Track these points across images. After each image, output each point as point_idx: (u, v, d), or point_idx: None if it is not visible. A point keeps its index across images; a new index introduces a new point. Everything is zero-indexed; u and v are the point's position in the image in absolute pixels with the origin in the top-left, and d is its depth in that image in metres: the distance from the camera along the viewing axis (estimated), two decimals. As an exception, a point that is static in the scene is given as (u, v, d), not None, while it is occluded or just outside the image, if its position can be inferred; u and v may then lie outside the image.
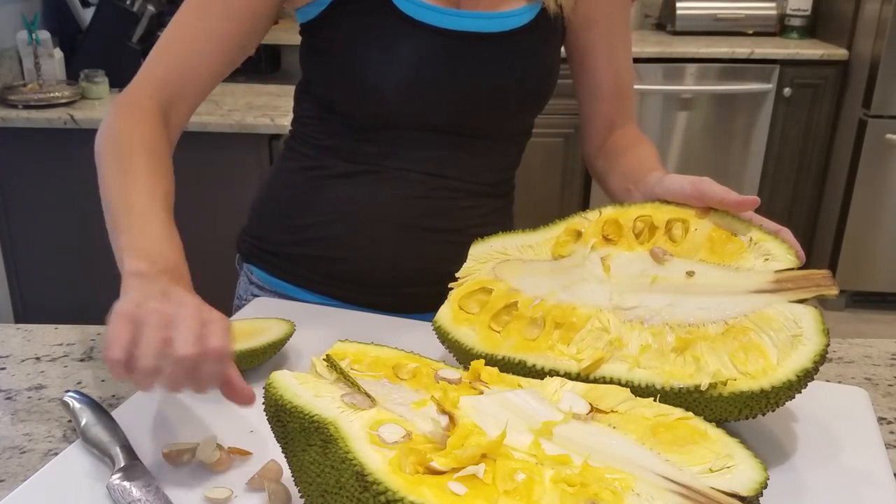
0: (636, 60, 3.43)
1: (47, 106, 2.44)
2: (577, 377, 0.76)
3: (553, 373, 0.77)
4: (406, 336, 0.92)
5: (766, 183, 3.58)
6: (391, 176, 1.07)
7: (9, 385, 0.92)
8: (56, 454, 0.79)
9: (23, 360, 0.98)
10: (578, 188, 3.61)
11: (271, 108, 2.49)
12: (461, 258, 0.90)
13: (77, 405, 0.81)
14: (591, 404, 0.67)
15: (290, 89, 1.16)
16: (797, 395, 0.73)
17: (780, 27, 3.70)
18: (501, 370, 0.74)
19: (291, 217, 1.13)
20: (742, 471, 0.58)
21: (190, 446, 0.75)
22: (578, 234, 0.86)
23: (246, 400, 0.72)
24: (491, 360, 0.80)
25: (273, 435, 0.67)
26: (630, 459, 0.60)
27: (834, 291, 0.73)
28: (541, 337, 0.80)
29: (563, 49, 1.14)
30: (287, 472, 0.68)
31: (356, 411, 0.63)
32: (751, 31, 3.69)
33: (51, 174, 2.48)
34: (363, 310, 1.07)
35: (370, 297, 1.08)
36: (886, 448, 0.79)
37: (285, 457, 0.66)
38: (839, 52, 3.41)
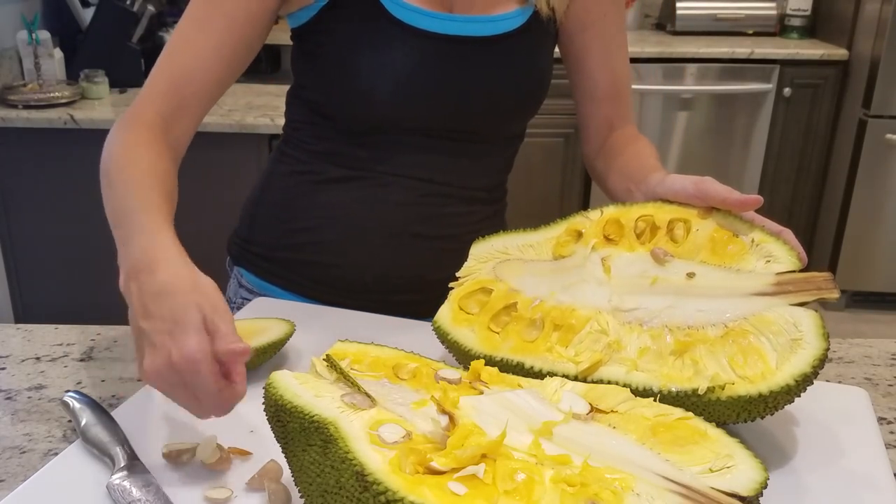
0: (636, 60, 3.43)
1: (47, 106, 2.44)
2: (576, 380, 0.76)
3: (551, 375, 0.77)
4: (406, 336, 0.92)
5: (766, 183, 3.58)
6: (383, 182, 1.06)
7: (9, 385, 0.92)
8: (56, 454, 0.79)
9: (23, 360, 0.98)
10: (578, 188, 3.61)
11: (271, 108, 2.49)
12: (453, 265, 0.89)
13: (77, 405, 0.81)
14: (591, 404, 0.67)
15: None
16: (796, 398, 0.73)
17: (780, 27, 3.70)
18: (500, 371, 0.74)
19: (282, 221, 1.13)
20: (742, 471, 0.58)
21: (190, 446, 0.75)
22: (579, 235, 0.85)
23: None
24: (490, 362, 0.80)
25: (273, 435, 0.67)
26: (630, 459, 0.60)
27: (835, 295, 0.72)
28: (539, 339, 0.80)
29: (557, 51, 1.14)
30: (287, 472, 0.68)
31: (356, 411, 0.63)
32: (751, 31, 3.69)
33: (51, 174, 2.48)
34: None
35: (360, 302, 1.08)
36: (886, 448, 0.79)
37: (285, 457, 0.66)
38: (839, 52, 3.41)
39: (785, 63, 3.40)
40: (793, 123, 3.50)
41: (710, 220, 0.81)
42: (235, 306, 1.16)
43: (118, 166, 0.88)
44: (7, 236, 2.55)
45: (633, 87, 1.09)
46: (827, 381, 0.94)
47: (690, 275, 0.78)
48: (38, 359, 0.98)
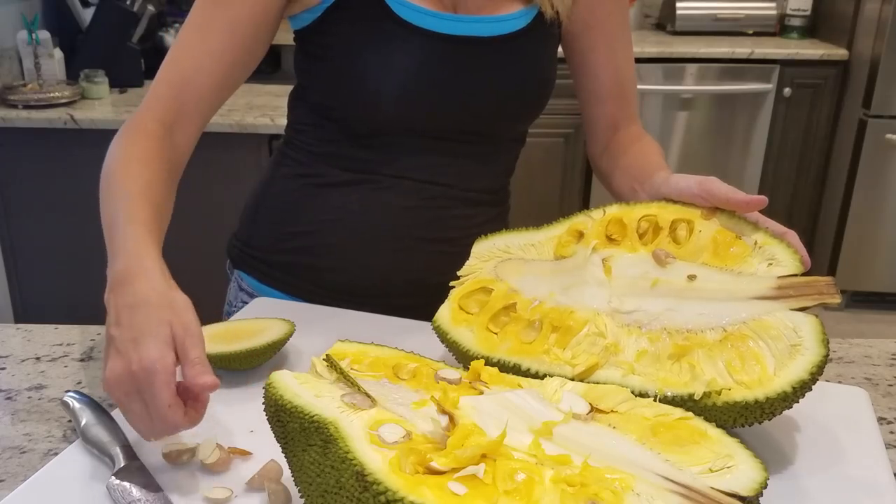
0: (636, 60, 3.43)
1: (47, 106, 2.44)
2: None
3: (540, 374, 0.77)
4: (406, 336, 0.92)
5: (766, 183, 3.58)
6: (385, 185, 1.06)
7: (9, 385, 0.92)
8: (56, 454, 0.78)
9: (23, 360, 0.98)
10: (578, 188, 3.61)
11: (271, 108, 2.49)
12: (454, 269, 0.89)
13: (77, 405, 0.81)
14: (591, 404, 0.67)
15: (290, 89, 1.16)
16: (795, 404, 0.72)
17: (780, 27, 3.70)
18: (501, 366, 0.74)
19: (283, 224, 1.12)
20: (742, 471, 0.58)
21: (190, 446, 0.75)
22: (580, 235, 0.85)
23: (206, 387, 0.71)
24: (487, 363, 0.79)
25: (273, 435, 0.67)
26: (630, 459, 0.60)
27: (836, 300, 0.72)
28: (537, 340, 0.80)
29: (560, 51, 1.14)
30: (287, 472, 0.68)
31: (356, 411, 0.63)
32: (751, 31, 3.69)
33: (51, 174, 2.48)
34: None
35: (363, 306, 1.07)
36: (886, 448, 0.79)
37: (285, 457, 0.66)
38: (839, 52, 3.41)
39: (785, 63, 3.40)
40: (793, 123, 3.50)
41: (714, 220, 0.80)
42: (236, 310, 1.16)
43: (115, 179, 0.89)
44: (7, 236, 2.56)
45: (636, 86, 1.09)
46: (827, 381, 0.94)
47: (691, 277, 0.78)
48: (38, 359, 0.98)
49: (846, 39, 3.43)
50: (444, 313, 0.86)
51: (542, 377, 0.76)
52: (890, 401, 0.92)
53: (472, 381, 0.70)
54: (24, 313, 2.65)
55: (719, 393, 0.70)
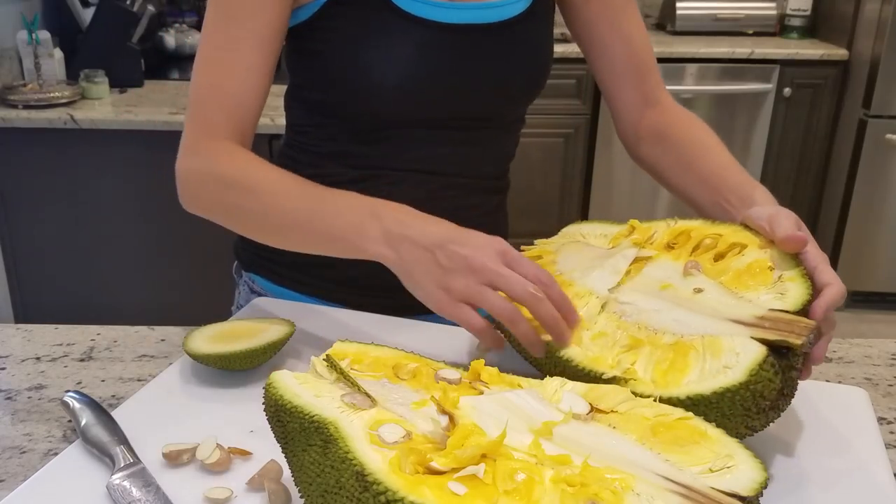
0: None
1: (47, 106, 2.44)
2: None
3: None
4: (406, 336, 0.92)
5: (766, 183, 3.55)
6: (394, 179, 1.06)
7: (9, 385, 0.92)
8: (56, 454, 0.79)
9: (23, 360, 0.98)
10: (578, 188, 3.61)
11: (271, 109, 2.48)
12: None
13: (77, 405, 0.81)
14: (591, 404, 0.67)
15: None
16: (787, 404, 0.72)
17: (780, 27, 3.70)
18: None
19: None
20: (742, 471, 0.58)
21: (190, 446, 0.75)
22: (633, 230, 0.90)
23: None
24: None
25: (273, 435, 0.67)
26: (630, 459, 0.60)
27: (798, 342, 0.70)
28: None
29: (567, 31, 1.13)
30: (287, 472, 0.68)
31: (356, 411, 0.63)
32: (751, 31, 3.69)
33: (51, 174, 2.48)
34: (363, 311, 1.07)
35: (380, 300, 1.07)
36: (886, 448, 0.79)
37: (285, 457, 0.66)
38: (839, 52, 3.41)
39: (785, 63, 3.41)
40: (793, 123, 3.50)
41: (766, 250, 0.81)
42: None
43: (252, 177, 0.93)
44: (7, 236, 2.56)
45: (654, 57, 1.04)
46: (827, 380, 0.94)
47: (698, 290, 0.79)
48: (38, 359, 0.98)
49: (846, 39, 3.43)
50: None
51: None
52: (890, 401, 0.92)
53: (472, 381, 0.70)
54: (24, 313, 2.65)
55: (626, 381, 0.73)
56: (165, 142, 2.29)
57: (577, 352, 0.78)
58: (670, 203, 3.52)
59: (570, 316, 0.80)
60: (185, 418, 0.81)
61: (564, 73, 3.26)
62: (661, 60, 3.38)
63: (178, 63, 3.00)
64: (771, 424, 0.73)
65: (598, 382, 0.73)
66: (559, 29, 1.14)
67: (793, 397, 0.73)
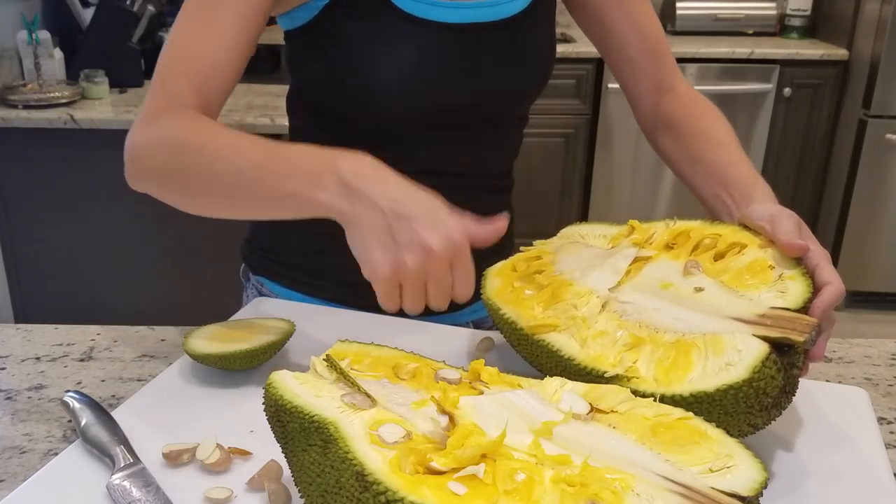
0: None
1: (47, 106, 2.44)
2: (521, 331, 0.83)
3: (512, 323, 0.84)
4: (406, 336, 0.92)
5: (766, 183, 3.58)
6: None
7: (9, 385, 0.92)
8: (56, 454, 0.79)
9: (23, 360, 0.98)
10: (578, 188, 3.61)
11: (271, 108, 2.49)
12: (476, 257, 0.90)
13: (77, 405, 0.81)
14: (591, 404, 0.67)
15: (287, 89, 1.15)
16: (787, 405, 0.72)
17: (780, 27, 3.70)
18: (490, 307, 0.86)
19: (304, 228, 1.11)
20: (742, 471, 0.58)
21: (190, 446, 0.75)
22: (632, 230, 0.90)
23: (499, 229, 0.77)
24: (488, 301, 0.88)
25: (273, 435, 0.67)
26: (630, 459, 0.60)
27: (800, 339, 0.70)
28: (531, 298, 0.86)
29: (566, 32, 1.13)
30: (287, 472, 0.68)
31: (356, 411, 0.63)
32: (751, 31, 3.69)
33: (51, 174, 2.48)
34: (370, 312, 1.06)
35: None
36: (886, 448, 0.79)
37: (285, 457, 0.66)
38: (839, 52, 3.41)
39: (785, 63, 3.40)
40: (793, 123, 3.50)
41: (767, 250, 0.81)
42: None
43: (202, 136, 0.86)
44: (7, 236, 2.56)
45: (666, 41, 1.03)
46: (827, 381, 0.94)
47: (698, 289, 0.79)
48: (38, 359, 0.98)
49: (846, 39, 3.43)
50: (496, 265, 0.93)
51: (511, 324, 0.84)
52: (890, 401, 0.92)
53: (472, 381, 0.70)
54: (24, 313, 2.65)
55: (628, 379, 0.73)
56: (165, 142, 2.30)
57: (577, 350, 0.78)
58: (670, 203, 3.53)
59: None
60: (185, 418, 0.81)
61: (564, 73, 3.26)
62: (661, 60, 3.39)
63: (178, 63, 3.00)
64: (771, 424, 0.73)
65: (599, 381, 0.74)
66: (558, 29, 1.14)
67: (794, 395, 0.73)
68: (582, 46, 3.24)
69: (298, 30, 1.02)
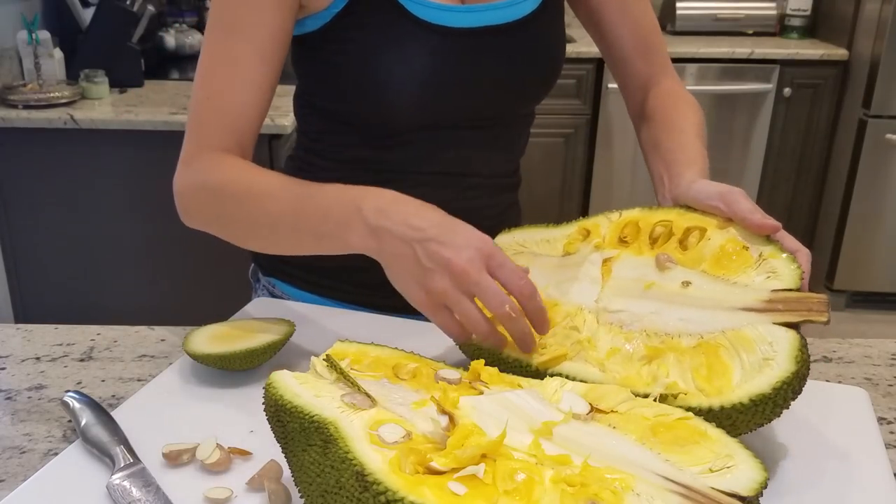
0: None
1: (47, 106, 2.44)
2: (535, 370, 0.77)
3: (516, 362, 0.78)
4: (406, 336, 0.92)
5: (766, 183, 3.58)
6: (415, 183, 1.04)
7: (9, 385, 0.92)
8: (56, 454, 0.79)
9: (23, 360, 0.98)
10: (578, 188, 3.61)
11: (271, 108, 2.47)
12: None
13: (77, 405, 0.81)
14: (591, 404, 0.67)
15: (291, 89, 1.15)
16: (776, 415, 0.71)
17: (780, 27, 3.70)
18: (473, 356, 0.77)
19: None
20: (742, 471, 0.58)
21: (190, 446, 0.75)
22: (588, 233, 0.86)
23: None
24: (465, 346, 0.82)
25: (273, 435, 0.67)
26: (630, 459, 0.60)
27: (823, 318, 0.70)
28: None
29: (577, 18, 1.13)
30: (287, 472, 0.68)
31: (356, 411, 0.63)
32: (751, 31, 3.69)
33: (51, 174, 2.48)
34: (373, 312, 1.06)
35: (402, 302, 1.07)
36: (886, 448, 0.79)
37: (285, 457, 0.66)
38: (839, 52, 3.41)
39: (785, 63, 3.40)
40: (793, 123, 3.50)
41: (728, 230, 0.79)
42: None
43: (239, 185, 0.91)
44: (7, 236, 2.56)
45: (661, 37, 1.06)
46: (827, 381, 0.94)
47: (686, 283, 0.77)
48: (38, 359, 0.98)
49: (846, 39, 3.43)
50: None
51: (514, 363, 0.78)
52: (890, 401, 0.92)
53: (472, 381, 0.70)
54: (24, 313, 2.65)
55: (675, 396, 0.70)
56: (165, 142, 2.30)
57: (601, 376, 0.74)
58: (670, 203, 3.52)
59: (541, 328, 0.78)
60: (185, 418, 0.81)
61: (564, 72, 3.23)
62: (661, 60, 3.39)
63: (177, 63, 3.00)
64: (770, 425, 0.73)
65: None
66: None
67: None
68: (582, 46, 3.24)
69: (308, 37, 1.02)
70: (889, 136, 3.29)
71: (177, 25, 3.11)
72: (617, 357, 0.75)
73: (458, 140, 1.06)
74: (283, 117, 2.35)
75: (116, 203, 2.49)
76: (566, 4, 1.14)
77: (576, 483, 0.57)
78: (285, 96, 1.16)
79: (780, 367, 0.68)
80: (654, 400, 0.70)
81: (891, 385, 0.96)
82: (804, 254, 0.78)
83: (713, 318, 0.74)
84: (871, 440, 0.80)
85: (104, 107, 2.50)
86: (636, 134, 1.14)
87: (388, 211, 0.80)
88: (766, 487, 0.58)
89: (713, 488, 0.57)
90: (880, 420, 0.87)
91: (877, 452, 0.78)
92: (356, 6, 0.98)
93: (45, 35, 2.61)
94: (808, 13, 3.64)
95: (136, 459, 0.74)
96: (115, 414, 0.81)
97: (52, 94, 2.47)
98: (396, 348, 0.75)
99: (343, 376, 0.67)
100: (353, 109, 1.03)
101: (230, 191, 0.92)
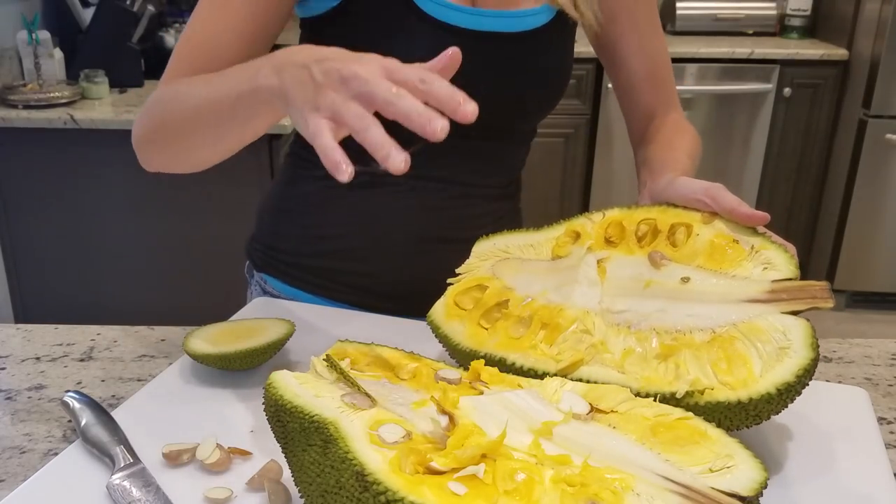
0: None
1: (47, 106, 2.44)
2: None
3: (532, 371, 0.77)
4: (406, 336, 0.92)
5: (766, 183, 3.58)
6: (408, 186, 1.04)
7: (9, 385, 0.92)
8: (56, 454, 0.79)
9: (23, 360, 0.98)
10: (578, 188, 3.61)
11: (271, 108, 2.48)
12: None
13: (77, 405, 0.81)
14: (591, 404, 0.67)
15: (290, 89, 1.15)
16: (791, 404, 0.71)
17: (780, 27, 3.70)
18: (485, 366, 0.74)
19: (309, 227, 1.11)
20: (742, 471, 0.58)
21: (190, 446, 0.75)
22: (577, 236, 0.85)
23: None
24: (474, 356, 0.81)
25: (273, 435, 0.67)
26: (630, 459, 0.60)
27: (829, 304, 0.71)
28: (525, 336, 0.80)
29: (591, 46, 1.13)
30: (287, 472, 0.68)
31: (356, 411, 0.63)
32: (751, 31, 3.69)
33: (51, 174, 2.48)
34: (372, 311, 1.06)
35: (390, 304, 1.07)
36: (886, 448, 0.79)
37: (285, 457, 0.66)
38: (839, 52, 3.41)
39: (785, 63, 3.41)
40: (793, 123, 3.50)
41: (714, 224, 0.80)
42: None
43: (178, 87, 0.90)
44: (7, 236, 2.56)
45: (671, 71, 1.08)
46: (827, 381, 0.94)
47: (685, 279, 0.77)
48: (38, 359, 0.98)
49: (846, 39, 3.43)
50: (439, 308, 0.87)
51: (530, 372, 0.77)
52: (890, 401, 0.92)
53: (472, 381, 0.70)
54: (24, 313, 2.65)
55: (702, 392, 0.70)
56: (165, 142, 2.30)
57: (622, 378, 0.74)
58: (670, 203, 3.52)
59: (452, 104, 0.69)
60: (185, 418, 0.81)
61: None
62: (661, 60, 3.39)
63: (178, 63, 3.00)
64: (771, 425, 0.73)
65: (671, 405, 0.69)
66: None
67: None
68: (582, 46, 3.22)
69: (314, 20, 1.01)
70: (889, 136, 3.29)
71: (177, 25, 3.11)
72: (632, 358, 0.75)
73: (453, 147, 1.04)
74: (283, 117, 2.35)
75: (116, 203, 2.49)
76: (581, 28, 1.13)
77: (576, 483, 0.57)
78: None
79: (798, 355, 0.69)
80: (679, 398, 0.70)
81: (891, 385, 0.96)
82: (789, 247, 0.79)
83: (721, 312, 0.74)
84: (871, 440, 0.80)
85: (104, 107, 2.50)
86: (634, 157, 1.15)
87: (294, 50, 0.74)
88: (766, 487, 0.58)
89: (713, 488, 0.57)
90: (880, 420, 0.87)
91: (877, 452, 0.78)
92: None
93: (45, 35, 2.61)
94: (808, 13, 3.64)
95: (136, 459, 0.73)
96: (115, 414, 0.81)
97: (52, 94, 2.47)
98: (396, 348, 0.75)
99: (343, 376, 0.67)
100: None
101: (167, 96, 0.91)
